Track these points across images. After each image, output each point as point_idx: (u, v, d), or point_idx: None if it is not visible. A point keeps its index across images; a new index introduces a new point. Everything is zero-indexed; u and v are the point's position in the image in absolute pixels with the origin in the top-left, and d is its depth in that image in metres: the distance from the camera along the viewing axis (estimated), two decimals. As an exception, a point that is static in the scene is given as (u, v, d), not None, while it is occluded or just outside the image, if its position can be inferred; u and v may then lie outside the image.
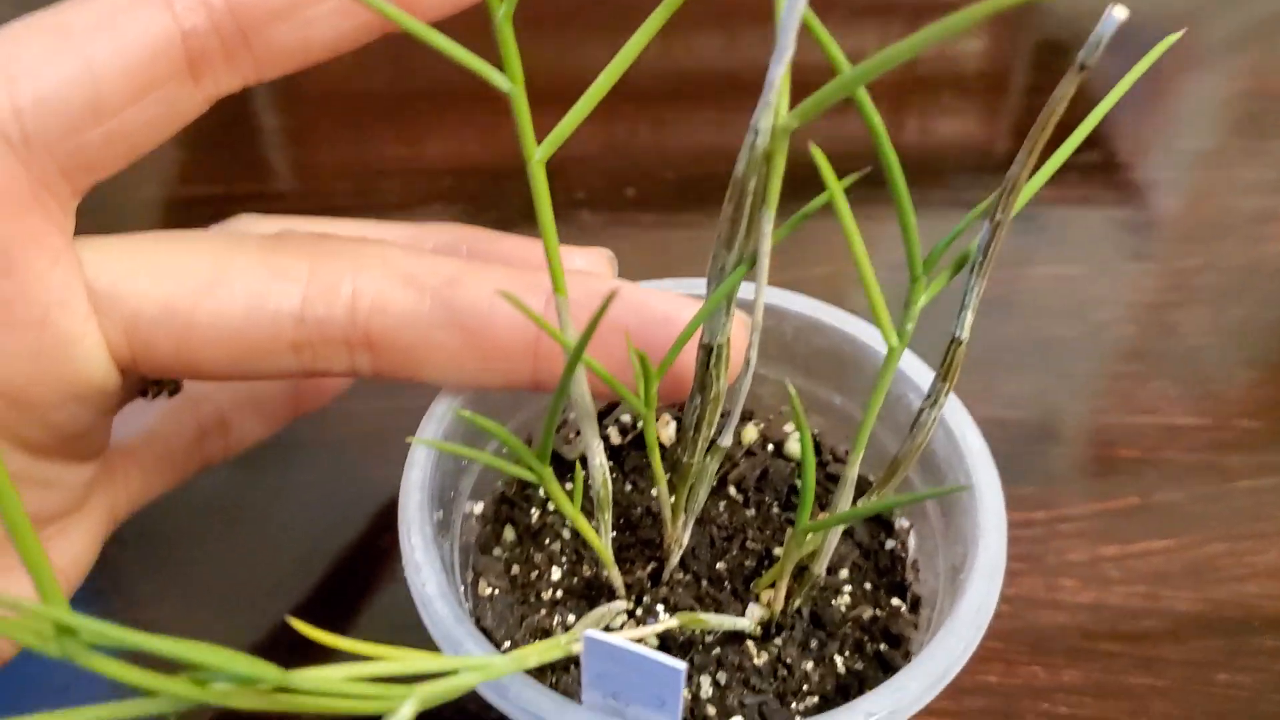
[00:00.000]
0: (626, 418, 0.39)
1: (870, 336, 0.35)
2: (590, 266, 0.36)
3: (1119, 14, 0.23)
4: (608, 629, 0.32)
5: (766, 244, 0.26)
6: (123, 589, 0.46)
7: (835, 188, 0.25)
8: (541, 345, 0.31)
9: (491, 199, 0.65)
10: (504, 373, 0.31)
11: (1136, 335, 0.55)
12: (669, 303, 0.31)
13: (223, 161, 0.69)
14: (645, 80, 0.71)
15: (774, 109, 0.24)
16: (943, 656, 0.28)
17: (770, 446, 0.39)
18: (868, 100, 0.25)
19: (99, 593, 0.45)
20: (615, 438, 0.39)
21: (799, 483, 0.37)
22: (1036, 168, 0.26)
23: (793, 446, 0.38)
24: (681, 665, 0.25)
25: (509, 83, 0.25)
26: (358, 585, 0.45)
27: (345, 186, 0.67)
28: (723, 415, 0.31)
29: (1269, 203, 0.63)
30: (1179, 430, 0.50)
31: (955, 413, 0.33)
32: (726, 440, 0.30)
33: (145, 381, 0.37)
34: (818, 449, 0.38)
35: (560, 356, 0.31)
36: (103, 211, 0.33)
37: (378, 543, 0.47)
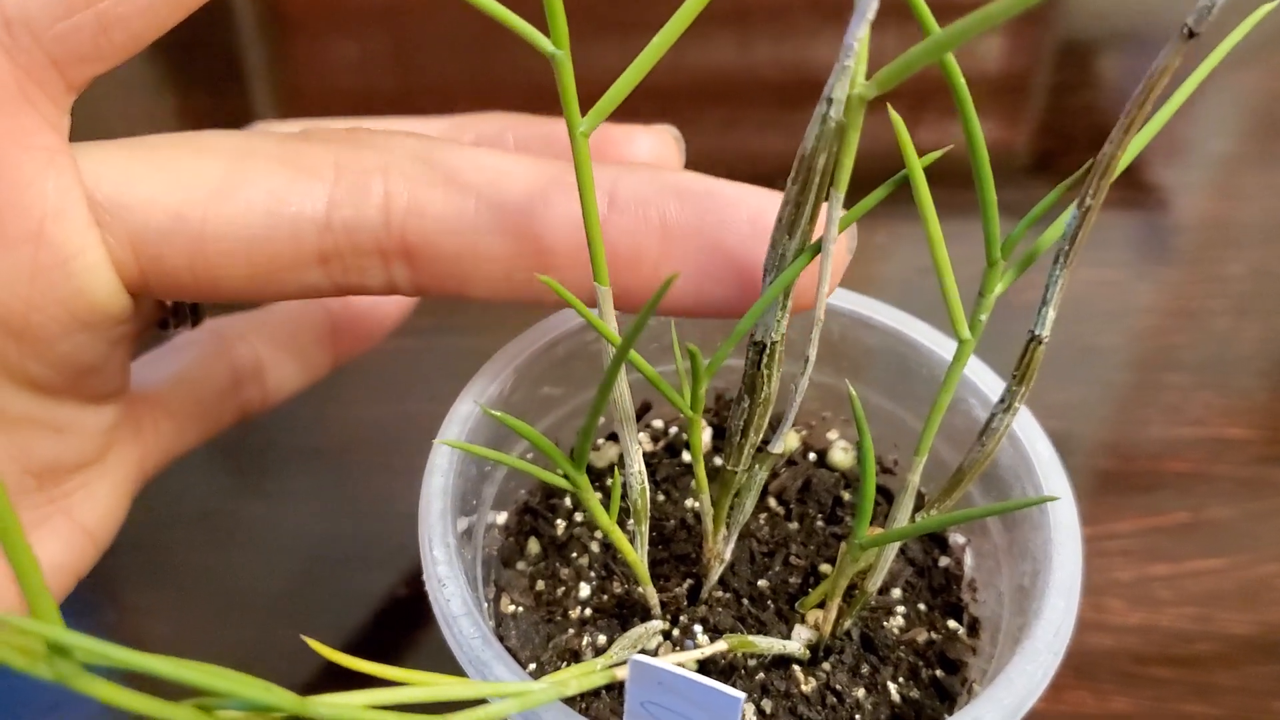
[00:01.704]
0: (658, 423, 0.37)
1: (925, 335, 0.33)
2: (656, 149, 0.33)
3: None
4: (644, 651, 0.29)
5: (834, 230, 0.24)
6: (119, 601, 0.44)
7: (915, 164, 0.23)
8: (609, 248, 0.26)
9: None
10: (562, 284, 0.27)
11: (1181, 343, 0.53)
12: (754, 198, 0.27)
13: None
14: (658, 79, 0.69)
15: (851, 75, 0.21)
16: (1021, 684, 0.25)
17: (812, 455, 0.36)
18: (955, 66, 0.22)
19: (95, 605, 0.43)
20: (646, 444, 0.36)
21: (844, 494, 0.34)
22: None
23: (837, 455, 0.36)
24: (740, 695, 0.23)
25: (554, 47, 0.23)
26: (360, 599, 0.43)
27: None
28: (773, 418, 0.28)
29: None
30: (1228, 443, 0.48)
31: (1022, 419, 0.31)
32: (778, 447, 0.28)
33: (163, 310, 0.33)
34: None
35: (632, 266, 0.27)
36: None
37: (379, 554, 0.44)
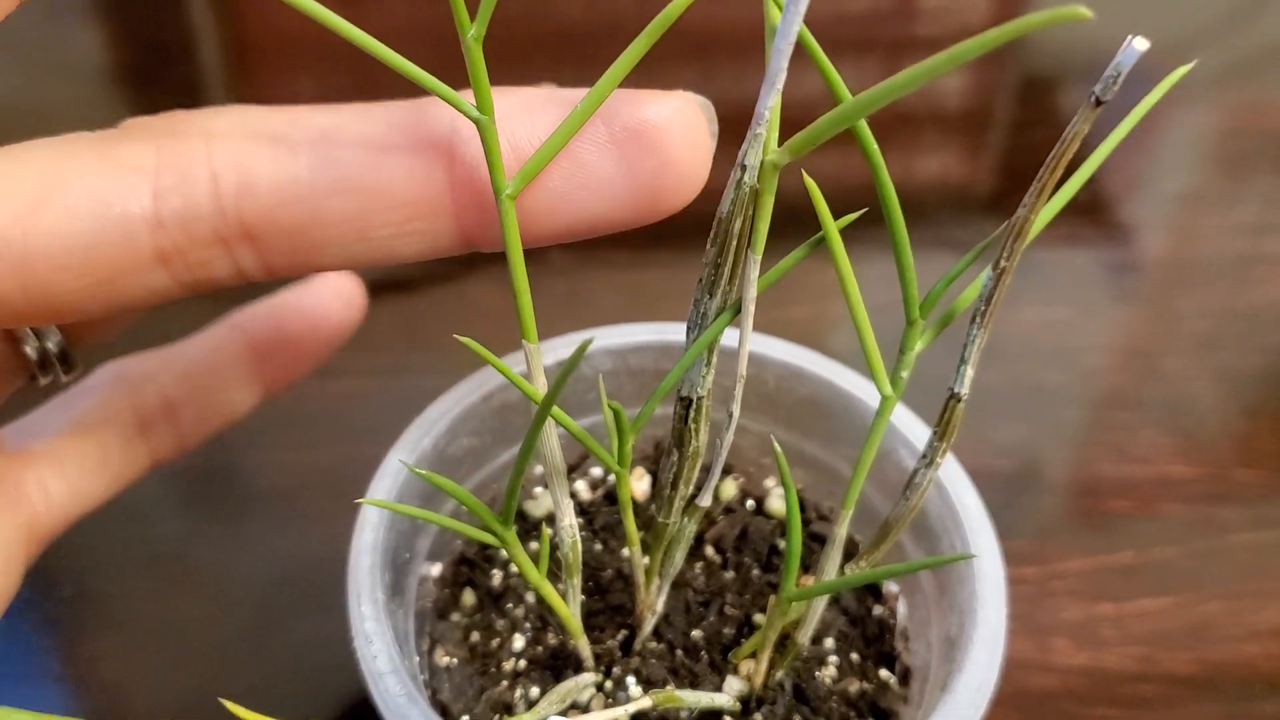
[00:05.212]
0: (597, 470, 0.37)
1: (857, 385, 0.33)
2: None
3: (1139, 45, 0.21)
4: (575, 704, 0.30)
5: (752, 290, 0.24)
6: (67, 648, 0.43)
7: (831, 228, 0.23)
8: (460, 194, 0.25)
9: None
10: (421, 236, 0.25)
11: (1127, 382, 0.53)
12: (646, 102, 0.24)
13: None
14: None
15: (764, 143, 0.22)
16: (943, 739, 0.26)
17: (750, 503, 0.36)
18: (868, 133, 0.22)
19: (41, 652, 0.42)
20: (584, 492, 0.36)
21: (781, 542, 0.35)
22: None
23: (774, 503, 0.36)
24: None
25: (478, 112, 0.23)
26: (311, 645, 0.42)
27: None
28: (703, 472, 0.28)
29: (1261, 244, 0.61)
30: (1173, 482, 0.48)
31: (950, 470, 0.31)
32: (706, 500, 0.28)
33: (27, 362, 0.31)
34: (801, 506, 0.36)
35: (487, 201, 0.24)
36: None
37: (329, 600, 0.44)
